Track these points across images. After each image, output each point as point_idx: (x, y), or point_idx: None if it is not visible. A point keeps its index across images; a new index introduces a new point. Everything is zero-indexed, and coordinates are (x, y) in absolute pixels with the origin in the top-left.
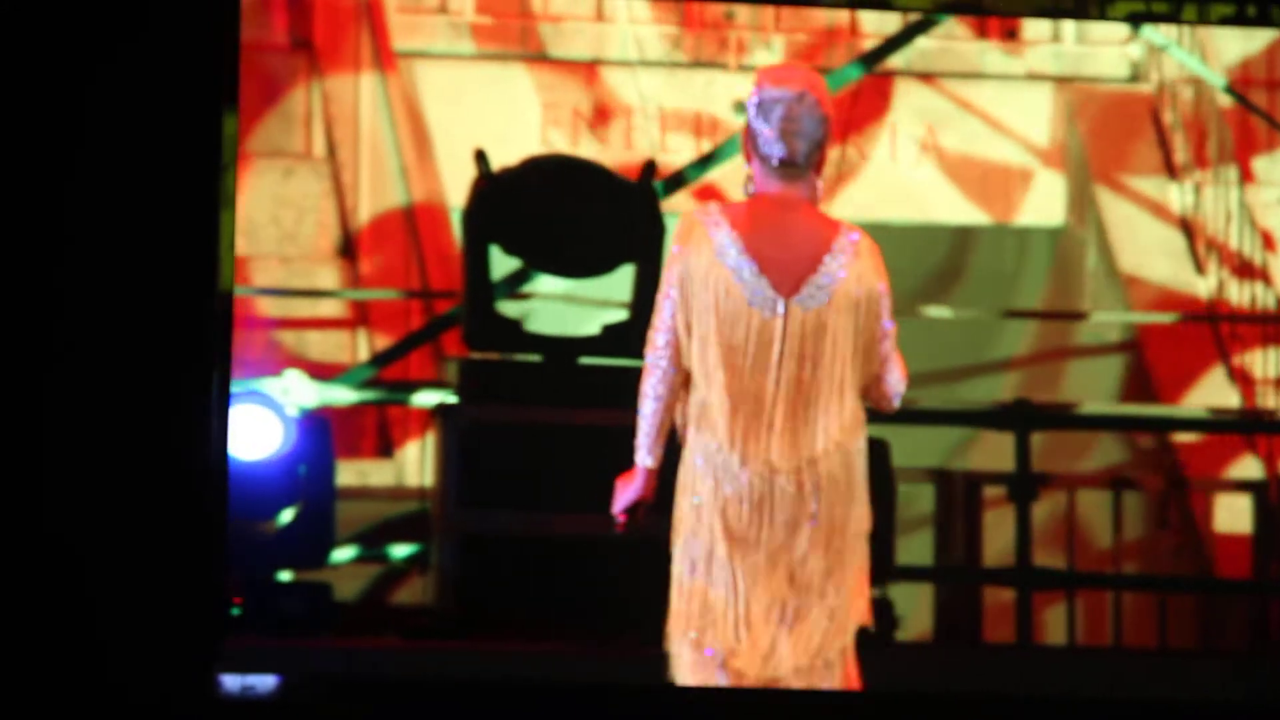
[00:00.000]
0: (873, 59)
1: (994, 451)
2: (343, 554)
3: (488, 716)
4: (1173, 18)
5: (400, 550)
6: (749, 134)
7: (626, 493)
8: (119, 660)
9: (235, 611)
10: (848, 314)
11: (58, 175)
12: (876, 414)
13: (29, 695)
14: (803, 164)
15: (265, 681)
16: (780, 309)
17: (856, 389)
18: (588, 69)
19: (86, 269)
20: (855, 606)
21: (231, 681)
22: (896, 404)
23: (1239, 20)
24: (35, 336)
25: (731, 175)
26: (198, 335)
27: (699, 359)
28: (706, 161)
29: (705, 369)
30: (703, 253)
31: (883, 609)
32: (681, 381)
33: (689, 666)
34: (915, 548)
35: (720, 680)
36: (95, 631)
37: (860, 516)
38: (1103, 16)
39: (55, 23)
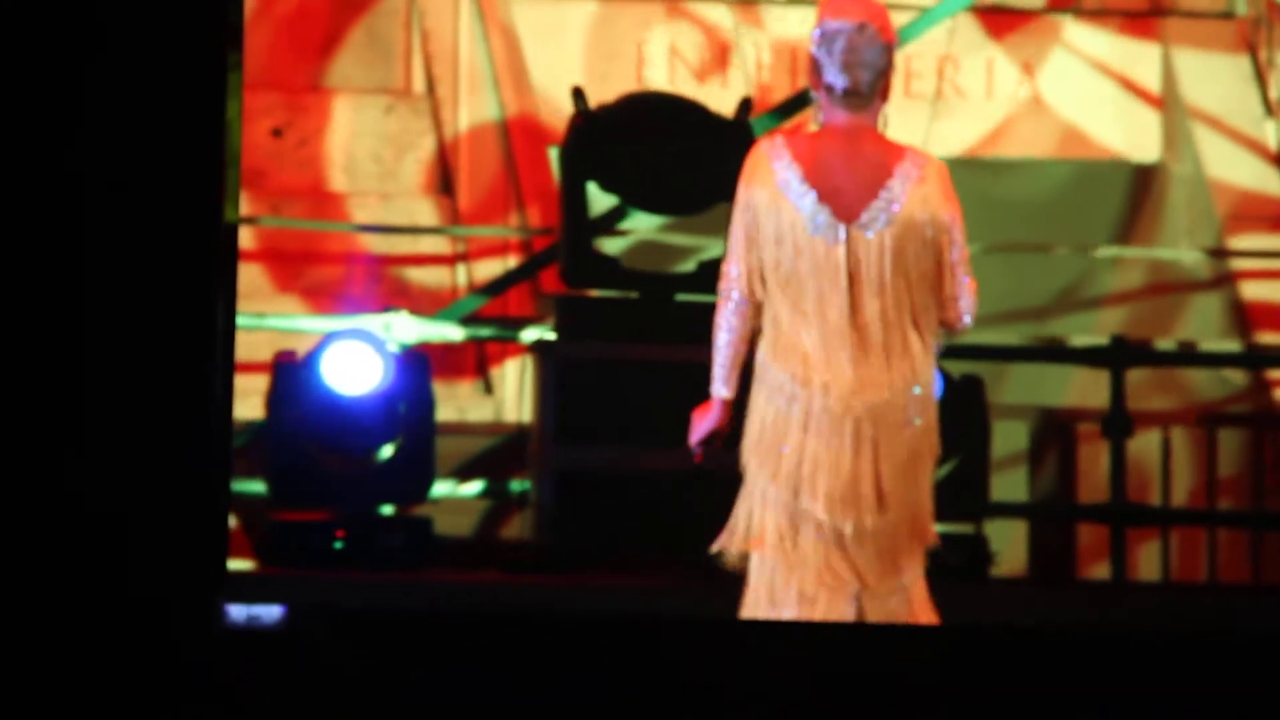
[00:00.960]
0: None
1: (1088, 388)
2: (442, 489)
3: (484, 648)
4: None
5: (499, 485)
6: (814, 65)
7: (703, 424)
8: (123, 592)
9: (337, 546)
10: (913, 238)
11: (62, 114)
12: (974, 350)
13: (33, 628)
14: (866, 93)
15: (271, 611)
16: (842, 235)
17: (927, 314)
18: (683, 5)
19: (89, 204)
20: (921, 530)
21: (237, 611)
22: (968, 323)
23: None
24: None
25: None
26: (201, 265)
27: (769, 290)
28: (800, 98)
29: (775, 300)
30: (767, 185)
31: (977, 545)
32: (755, 313)
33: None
34: (1009, 484)
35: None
36: (99, 564)
37: (921, 443)
38: None
39: None
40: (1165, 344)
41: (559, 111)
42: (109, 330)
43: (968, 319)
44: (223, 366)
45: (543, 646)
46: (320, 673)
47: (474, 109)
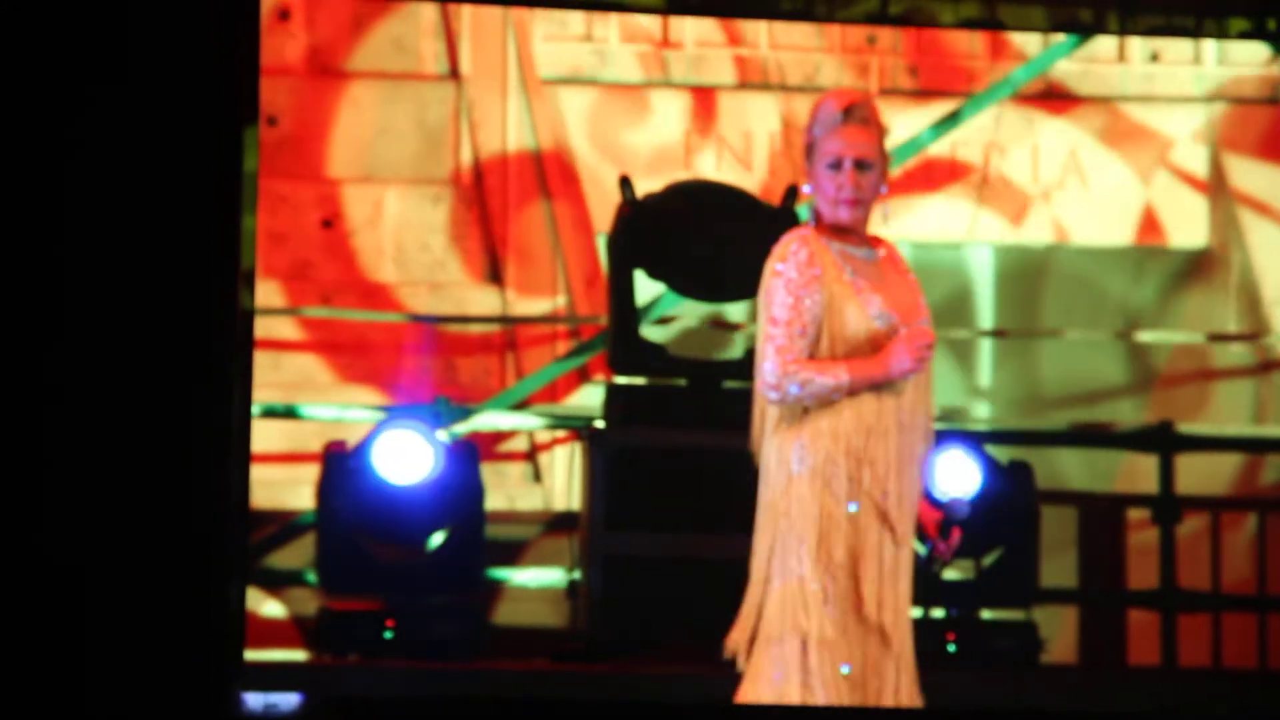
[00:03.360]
0: (1009, 86)
1: (1137, 474)
2: (492, 577)
3: None
4: (1193, 32)
5: (548, 575)
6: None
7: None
8: (141, 679)
9: (387, 635)
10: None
11: (73, 199)
12: (1026, 437)
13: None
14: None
15: (288, 700)
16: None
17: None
18: (730, 94)
19: (103, 290)
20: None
21: (254, 700)
22: (768, 395)
23: (1257, 34)
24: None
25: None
26: (218, 354)
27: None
28: None
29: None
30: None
31: (1027, 631)
32: None
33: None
34: (1059, 570)
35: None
36: (117, 652)
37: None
38: (1122, 31)
39: (68, 45)
40: (1213, 429)
41: (606, 200)
42: (121, 414)
43: (766, 392)
44: (238, 455)
45: None
46: None
47: (521, 199)
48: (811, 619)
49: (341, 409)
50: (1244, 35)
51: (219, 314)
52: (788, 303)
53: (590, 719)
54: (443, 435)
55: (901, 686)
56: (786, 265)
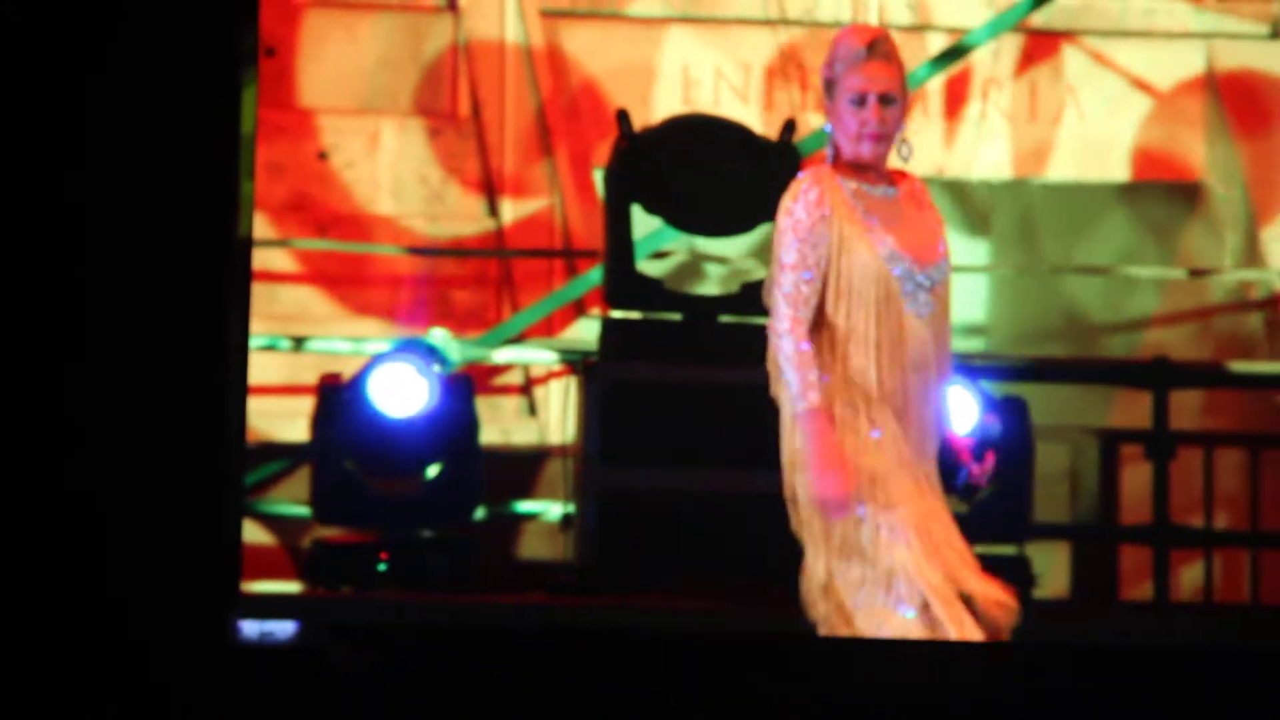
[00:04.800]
0: (1008, 20)
1: (1131, 408)
2: (486, 511)
3: (513, 665)
4: None
5: (543, 508)
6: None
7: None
8: (136, 608)
9: (381, 567)
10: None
11: (77, 138)
12: (1016, 370)
13: (46, 644)
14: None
15: (284, 628)
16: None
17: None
18: (727, 27)
19: (105, 221)
20: None
21: (250, 627)
22: (771, 338)
23: None
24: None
25: None
26: (215, 282)
27: None
28: None
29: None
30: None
31: (1020, 566)
32: None
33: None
34: (1052, 505)
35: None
36: (112, 580)
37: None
38: None
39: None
40: (1207, 365)
41: (604, 133)
42: (119, 345)
43: (773, 338)
44: (235, 384)
45: (455, 660)
46: (333, 689)
47: (519, 132)
48: (879, 557)
49: (336, 341)
50: None
51: (216, 242)
52: (794, 245)
53: (586, 650)
54: (438, 368)
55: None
56: (796, 205)
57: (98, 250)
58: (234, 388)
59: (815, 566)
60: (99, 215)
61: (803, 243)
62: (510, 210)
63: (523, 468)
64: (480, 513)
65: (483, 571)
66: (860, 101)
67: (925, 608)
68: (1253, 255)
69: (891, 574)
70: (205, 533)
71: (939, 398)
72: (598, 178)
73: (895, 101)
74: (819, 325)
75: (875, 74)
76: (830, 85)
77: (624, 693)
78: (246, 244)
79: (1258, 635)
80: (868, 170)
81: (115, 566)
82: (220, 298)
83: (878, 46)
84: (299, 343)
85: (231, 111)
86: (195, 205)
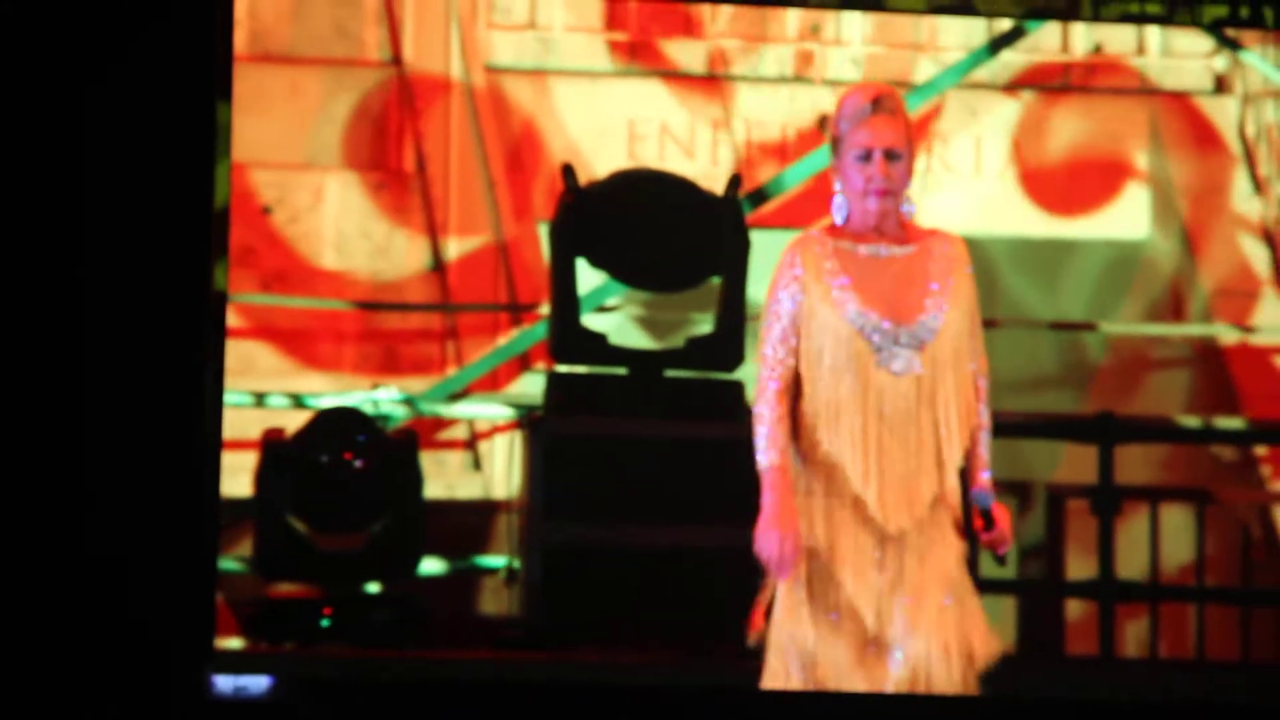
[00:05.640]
0: (954, 76)
1: (1077, 464)
2: (431, 566)
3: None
4: (1165, 19)
5: (488, 562)
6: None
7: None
8: (113, 662)
9: (324, 622)
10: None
11: (63, 176)
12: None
13: (24, 696)
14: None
15: (258, 682)
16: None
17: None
18: (673, 82)
19: (84, 280)
20: None
21: (224, 682)
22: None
23: (1232, 22)
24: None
25: (815, 188)
26: (190, 336)
27: None
28: (791, 174)
29: None
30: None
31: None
32: None
33: None
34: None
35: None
36: (89, 633)
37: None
38: (1096, 17)
39: (61, 28)
40: (1152, 420)
41: (548, 188)
42: (101, 402)
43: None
44: (211, 439)
45: (429, 715)
46: None
47: (464, 187)
48: (788, 626)
49: (281, 396)
50: (1218, 23)
51: (191, 297)
52: (770, 307)
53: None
54: (382, 423)
55: (895, 680)
56: (778, 267)
57: (74, 302)
58: (209, 445)
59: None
60: (88, 285)
61: (777, 303)
62: (455, 264)
63: (468, 522)
64: (424, 567)
65: (428, 626)
66: (866, 157)
67: None
68: (1195, 310)
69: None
70: (181, 589)
71: (938, 455)
72: (543, 232)
73: (901, 157)
74: (798, 387)
75: (880, 130)
76: (837, 143)
77: None
78: (221, 298)
79: (1203, 691)
80: (872, 230)
81: (94, 621)
82: (197, 356)
83: (883, 103)
84: (260, 398)
85: (207, 177)
86: (171, 263)
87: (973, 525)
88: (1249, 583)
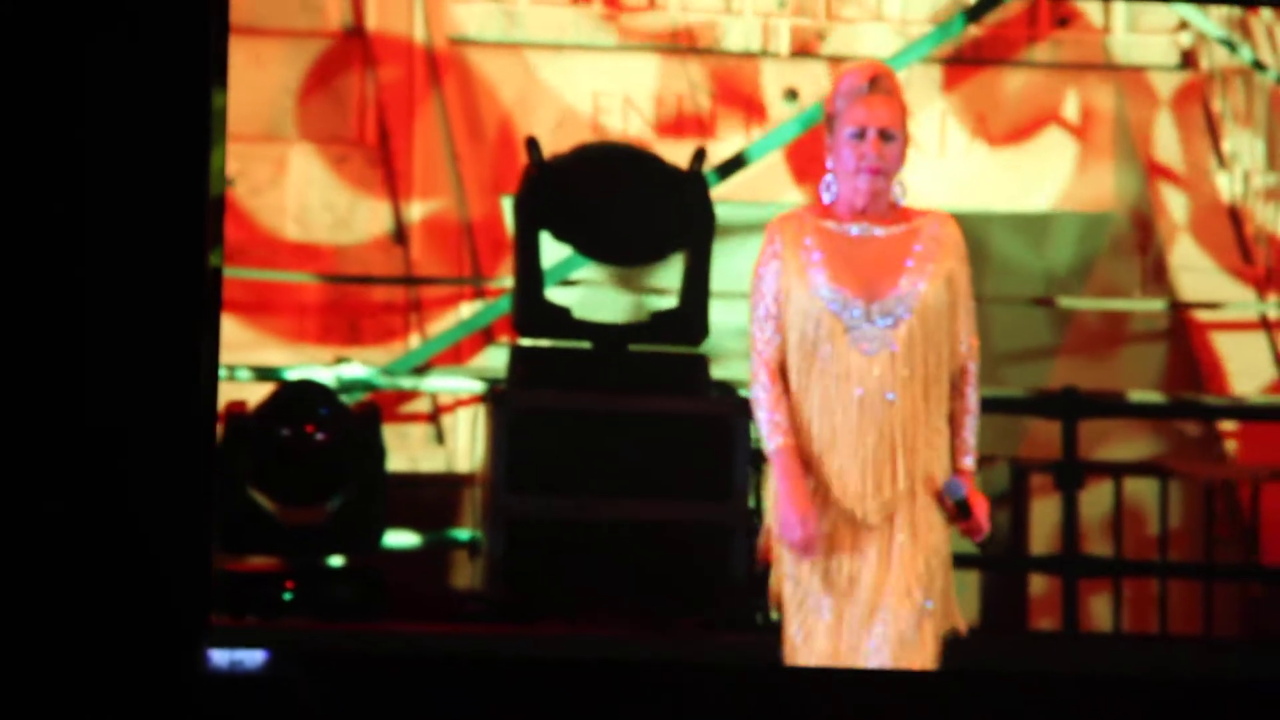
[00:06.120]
0: (918, 50)
1: (1041, 439)
2: (394, 539)
3: (475, 694)
4: None
5: (452, 536)
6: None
7: None
8: (109, 637)
9: (287, 597)
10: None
11: (55, 156)
12: None
13: (18, 673)
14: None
15: (254, 657)
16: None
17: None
18: (638, 56)
19: (80, 249)
20: None
21: (220, 657)
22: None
23: None
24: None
25: (779, 162)
26: (186, 311)
27: None
28: (757, 148)
29: None
30: None
31: None
32: None
33: None
34: (960, 535)
35: None
36: (85, 609)
37: None
38: None
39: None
40: (1117, 395)
41: (513, 160)
42: (98, 373)
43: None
44: (206, 412)
45: (430, 690)
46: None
47: (427, 159)
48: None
49: (243, 369)
50: None
51: (185, 273)
52: (755, 286)
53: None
54: (344, 396)
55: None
56: (761, 245)
57: (86, 289)
58: (205, 416)
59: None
60: (85, 258)
61: (760, 281)
62: (418, 237)
63: (432, 496)
64: (388, 541)
65: (390, 600)
66: (860, 135)
67: None
68: (1162, 285)
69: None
70: (178, 563)
71: (914, 431)
72: (507, 205)
73: (895, 138)
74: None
75: (876, 109)
76: (831, 121)
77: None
78: (216, 274)
79: (1166, 664)
80: (859, 210)
81: (90, 596)
82: (192, 327)
83: (880, 82)
84: (230, 371)
85: (202, 152)
86: (166, 238)
87: (946, 511)
88: (1211, 558)
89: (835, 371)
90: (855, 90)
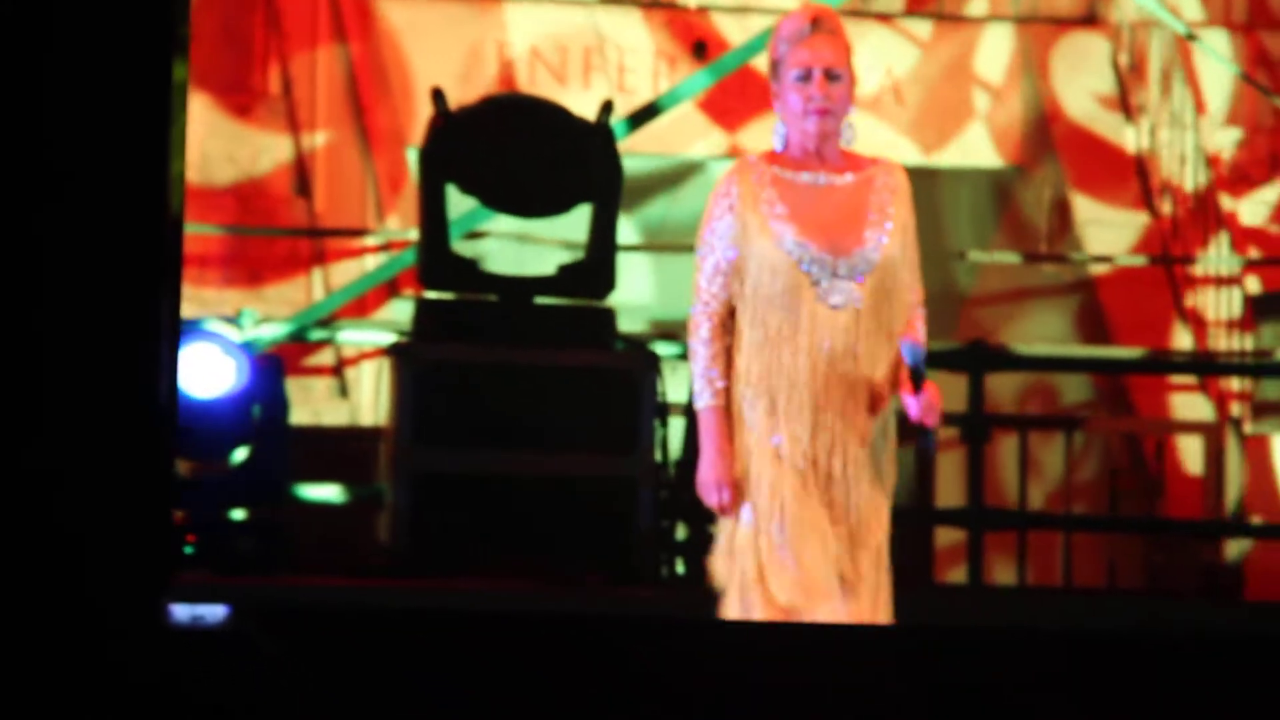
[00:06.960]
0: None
1: (947, 392)
2: (301, 492)
3: (438, 646)
4: None
5: (353, 489)
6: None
7: None
8: (69, 593)
9: (189, 550)
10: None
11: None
12: None
13: None
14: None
15: (215, 611)
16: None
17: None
18: (547, 7)
19: (39, 200)
20: None
21: (182, 611)
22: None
23: None
24: None
25: (686, 115)
26: (146, 263)
27: None
28: (665, 100)
29: None
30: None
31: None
32: None
33: None
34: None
35: None
36: (45, 564)
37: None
38: None
39: None
40: (1023, 348)
41: (419, 112)
42: (55, 327)
43: None
44: (168, 364)
45: (390, 643)
46: (262, 671)
47: (332, 110)
48: (740, 561)
49: None
50: None
51: (147, 218)
52: (704, 237)
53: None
54: (246, 348)
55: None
56: (712, 195)
57: (44, 239)
58: (166, 368)
59: (717, 539)
60: (43, 208)
61: (711, 233)
62: (322, 189)
63: (334, 449)
64: (290, 494)
65: (293, 554)
66: (805, 77)
67: None
68: (1070, 239)
69: (745, 586)
70: (139, 517)
71: (877, 389)
72: (412, 157)
73: (841, 78)
74: (734, 320)
75: (820, 48)
76: (776, 66)
77: (432, 675)
78: (177, 222)
79: (1069, 618)
80: (810, 157)
81: (49, 552)
82: (153, 279)
83: (823, 23)
84: None
85: (163, 97)
86: (128, 185)
87: (899, 389)
88: (1115, 511)
89: (802, 326)
90: (798, 33)
